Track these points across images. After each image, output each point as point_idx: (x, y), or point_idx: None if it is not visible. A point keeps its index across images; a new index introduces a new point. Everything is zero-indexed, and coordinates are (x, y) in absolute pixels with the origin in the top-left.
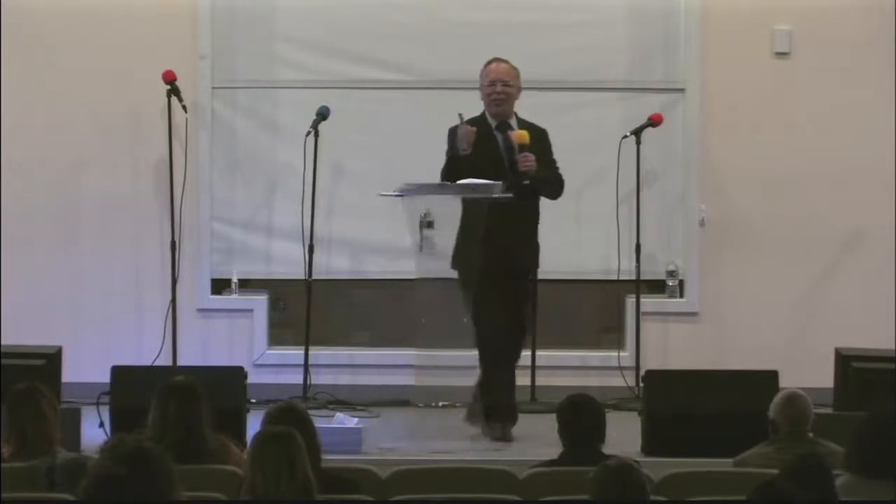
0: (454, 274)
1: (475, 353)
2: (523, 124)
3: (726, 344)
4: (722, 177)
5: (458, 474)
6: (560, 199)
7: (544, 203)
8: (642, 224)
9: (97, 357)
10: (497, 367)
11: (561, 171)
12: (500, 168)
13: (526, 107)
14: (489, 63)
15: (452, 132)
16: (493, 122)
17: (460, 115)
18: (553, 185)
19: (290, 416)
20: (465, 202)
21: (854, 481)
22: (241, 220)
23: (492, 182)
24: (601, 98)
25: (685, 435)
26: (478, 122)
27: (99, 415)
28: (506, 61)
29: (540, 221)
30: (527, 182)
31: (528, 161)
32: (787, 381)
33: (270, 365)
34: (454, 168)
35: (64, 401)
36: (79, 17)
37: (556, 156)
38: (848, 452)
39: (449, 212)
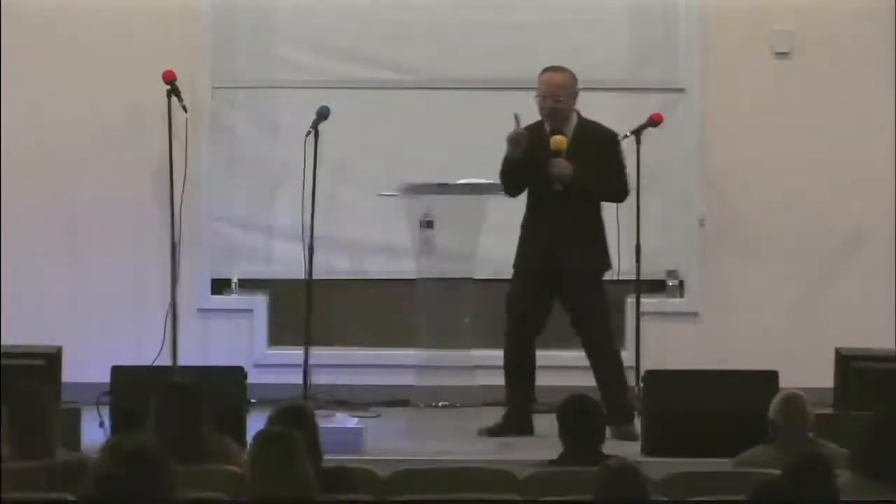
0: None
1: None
2: (586, 127)
3: (726, 344)
4: (722, 177)
5: (458, 474)
6: None
7: None
8: (642, 224)
9: (97, 357)
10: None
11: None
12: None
13: (527, 106)
14: (543, 72)
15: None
16: (548, 128)
17: (516, 116)
18: (602, 189)
19: (295, 416)
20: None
21: (857, 480)
22: (241, 220)
23: (492, 182)
24: (601, 98)
25: (685, 435)
26: (535, 126)
27: (99, 415)
28: (561, 70)
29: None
30: (559, 188)
31: (557, 167)
32: (787, 381)
33: (270, 365)
34: (507, 170)
35: (64, 401)
36: (79, 16)
37: None
38: (853, 452)
39: (449, 212)
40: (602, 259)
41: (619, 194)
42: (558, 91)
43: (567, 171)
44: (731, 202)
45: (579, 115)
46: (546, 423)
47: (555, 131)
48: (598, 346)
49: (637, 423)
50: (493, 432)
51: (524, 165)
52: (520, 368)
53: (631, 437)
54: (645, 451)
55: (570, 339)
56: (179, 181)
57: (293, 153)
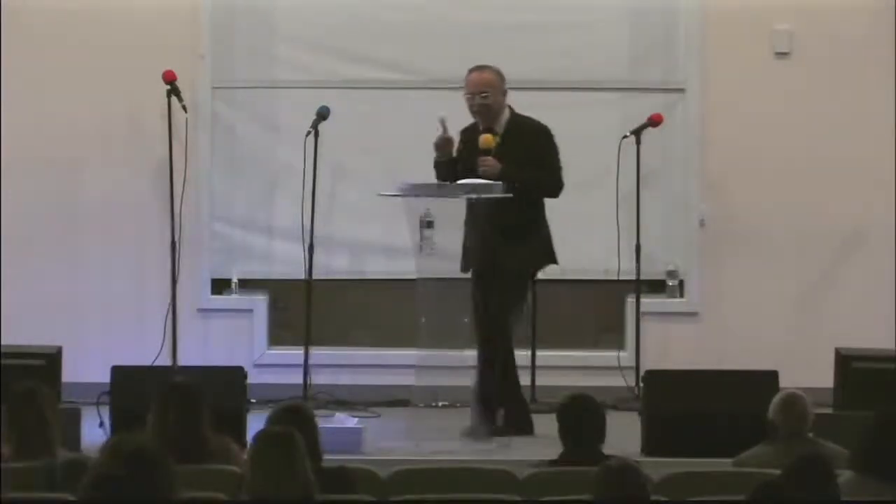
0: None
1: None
2: (518, 123)
3: (726, 344)
4: (722, 177)
5: (458, 474)
6: (559, 200)
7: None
8: (642, 224)
9: (97, 357)
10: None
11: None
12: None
13: (526, 107)
14: (470, 72)
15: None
16: (481, 127)
17: (441, 120)
18: (534, 185)
19: (295, 416)
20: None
21: (857, 480)
22: (241, 220)
23: (492, 182)
24: (601, 98)
25: (685, 435)
26: (471, 127)
27: (99, 415)
28: (486, 69)
29: (535, 220)
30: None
31: (485, 164)
32: (787, 381)
33: (270, 365)
34: (437, 175)
35: (64, 401)
36: (79, 16)
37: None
38: (853, 452)
39: (449, 212)
40: (530, 257)
41: (552, 189)
42: (485, 89)
43: (494, 169)
44: (731, 202)
45: (512, 111)
46: (546, 423)
47: (487, 129)
48: (491, 343)
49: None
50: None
51: (463, 165)
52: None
53: (482, 437)
54: (645, 451)
55: (570, 339)
56: (179, 181)
57: (293, 153)
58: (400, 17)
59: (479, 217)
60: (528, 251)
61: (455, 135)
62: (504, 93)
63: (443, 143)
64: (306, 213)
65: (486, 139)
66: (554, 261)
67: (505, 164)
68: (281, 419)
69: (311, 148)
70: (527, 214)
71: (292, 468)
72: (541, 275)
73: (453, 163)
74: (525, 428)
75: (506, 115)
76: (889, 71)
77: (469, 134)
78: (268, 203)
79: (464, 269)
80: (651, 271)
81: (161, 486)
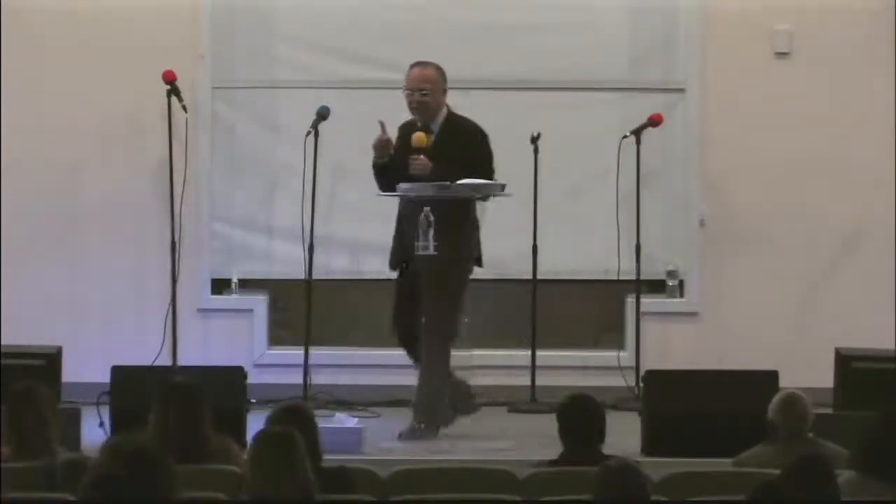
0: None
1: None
2: (453, 122)
3: (726, 344)
4: (722, 177)
5: (458, 474)
6: (560, 199)
7: (544, 203)
8: (642, 224)
9: (97, 357)
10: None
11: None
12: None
13: (527, 107)
14: (411, 68)
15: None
16: (418, 124)
17: (381, 123)
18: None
19: (295, 416)
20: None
21: (858, 480)
22: (241, 220)
23: (492, 182)
24: (601, 98)
25: (685, 435)
26: (409, 125)
27: (99, 415)
28: (429, 66)
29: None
30: None
31: (416, 163)
32: (787, 381)
33: (270, 365)
34: (376, 174)
35: (64, 401)
36: (79, 17)
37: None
38: (854, 452)
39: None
40: (457, 256)
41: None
42: (425, 85)
43: (425, 168)
44: (731, 202)
45: (449, 110)
46: (546, 423)
47: (423, 127)
48: (429, 344)
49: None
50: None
51: (397, 165)
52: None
53: (413, 437)
54: (645, 451)
55: (570, 339)
56: (179, 181)
57: (293, 153)
58: (400, 17)
59: (413, 215)
60: (457, 251)
61: (394, 134)
62: (444, 91)
63: (381, 144)
64: (306, 213)
65: (418, 137)
66: (479, 264)
67: (436, 163)
68: (281, 419)
69: (311, 148)
70: (458, 214)
71: (292, 468)
72: (542, 275)
73: (392, 163)
74: (467, 408)
75: (443, 114)
76: (889, 71)
77: (406, 130)
78: (268, 203)
79: (393, 266)
80: (651, 271)
81: (161, 486)
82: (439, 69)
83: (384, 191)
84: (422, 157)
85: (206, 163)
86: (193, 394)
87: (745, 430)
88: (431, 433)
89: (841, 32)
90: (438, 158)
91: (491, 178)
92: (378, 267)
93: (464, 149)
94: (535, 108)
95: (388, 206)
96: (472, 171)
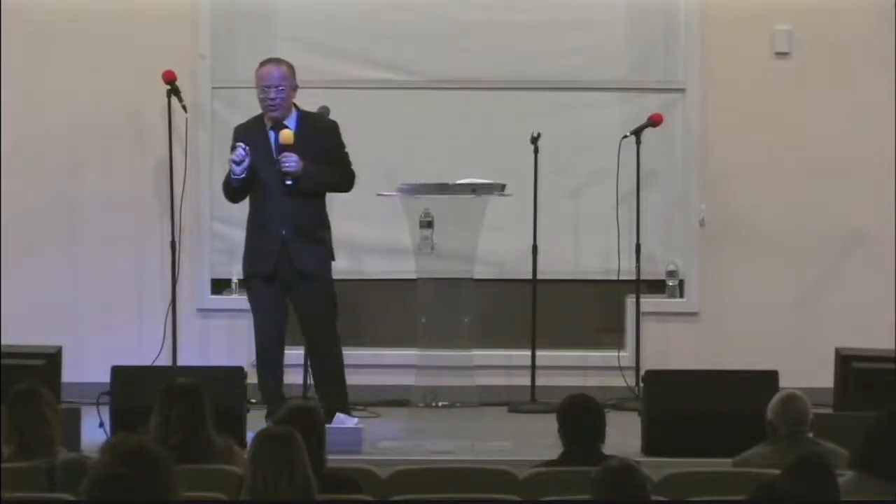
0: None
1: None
2: (308, 118)
3: (726, 344)
4: (722, 177)
5: (458, 474)
6: (560, 199)
7: (544, 203)
8: (642, 224)
9: (97, 357)
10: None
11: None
12: (276, 168)
13: (527, 107)
14: (262, 65)
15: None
16: (268, 123)
17: (243, 146)
18: (331, 181)
19: (305, 416)
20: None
21: (858, 480)
22: (241, 220)
23: (492, 182)
24: (601, 98)
25: (685, 435)
26: (254, 123)
27: (99, 415)
28: (282, 62)
29: (325, 218)
30: (289, 182)
31: (287, 161)
32: (787, 381)
33: None
34: (233, 188)
35: (64, 401)
36: (79, 16)
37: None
38: (855, 452)
39: (448, 212)
40: (328, 254)
41: (346, 184)
42: (280, 82)
43: (298, 165)
44: (731, 202)
45: (298, 108)
46: (546, 423)
47: (276, 125)
48: (321, 345)
49: None
50: None
51: (255, 169)
52: (272, 372)
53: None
54: (645, 451)
55: (570, 339)
56: (179, 181)
57: None
58: (400, 17)
59: (273, 217)
60: (324, 250)
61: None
62: (295, 88)
63: (242, 158)
64: None
65: (286, 135)
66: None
67: (304, 160)
68: (288, 419)
69: None
70: (320, 213)
71: (292, 468)
72: (542, 275)
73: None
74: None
75: (293, 110)
76: (889, 71)
77: (248, 130)
78: None
79: (251, 274)
80: (651, 271)
81: (161, 486)
82: (290, 65)
83: (233, 200)
84: (294, 154)
85: (206, 163)
86: (196, 396)
87: (745, 430)
88: None
89: (841, 32)
90: (302, 153)
91: (351, 172)
92: (378, 267)
93: (322, 144)
94: (535, 108)
95: (389, 206)
96: (335, 164)
